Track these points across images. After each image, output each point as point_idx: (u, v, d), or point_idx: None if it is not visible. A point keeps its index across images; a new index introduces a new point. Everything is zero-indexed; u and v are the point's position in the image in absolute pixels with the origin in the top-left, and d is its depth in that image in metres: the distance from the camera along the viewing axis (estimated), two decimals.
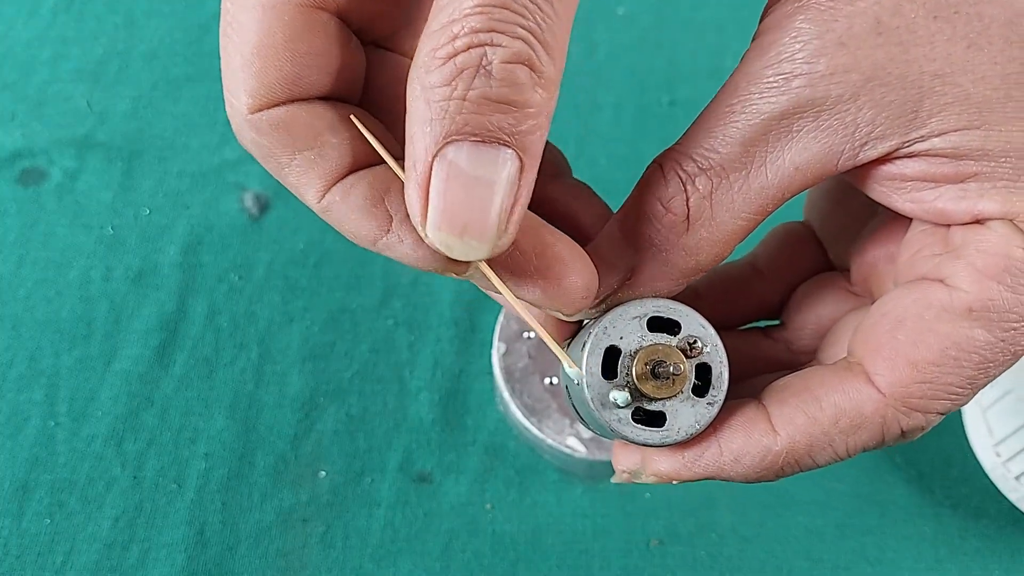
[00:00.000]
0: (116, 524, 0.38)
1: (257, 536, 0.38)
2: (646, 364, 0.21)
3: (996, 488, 0.40)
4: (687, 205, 0.21)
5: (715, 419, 0.21)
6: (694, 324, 0.21)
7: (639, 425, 0.21)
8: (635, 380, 0.21)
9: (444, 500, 0.39)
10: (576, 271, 0.21)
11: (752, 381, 0.24)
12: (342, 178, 0.22)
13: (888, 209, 0.22)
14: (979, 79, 0.19)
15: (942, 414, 0.20)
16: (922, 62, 0.19)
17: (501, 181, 0.19)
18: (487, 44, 0.17)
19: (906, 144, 0.20)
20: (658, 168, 0.21)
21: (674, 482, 0.23)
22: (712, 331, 0.21)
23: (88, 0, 0.53)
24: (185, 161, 0.48)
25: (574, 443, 0.38)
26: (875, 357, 0.21)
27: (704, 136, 0.21)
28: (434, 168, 0.18)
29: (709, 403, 0.21)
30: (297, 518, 0.39)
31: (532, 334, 0.40)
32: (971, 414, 0.40)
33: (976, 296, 0.19)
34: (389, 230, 0.21)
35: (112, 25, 0.53)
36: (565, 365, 0.22)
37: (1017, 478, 0.38)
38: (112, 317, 0.43)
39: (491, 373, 0.42)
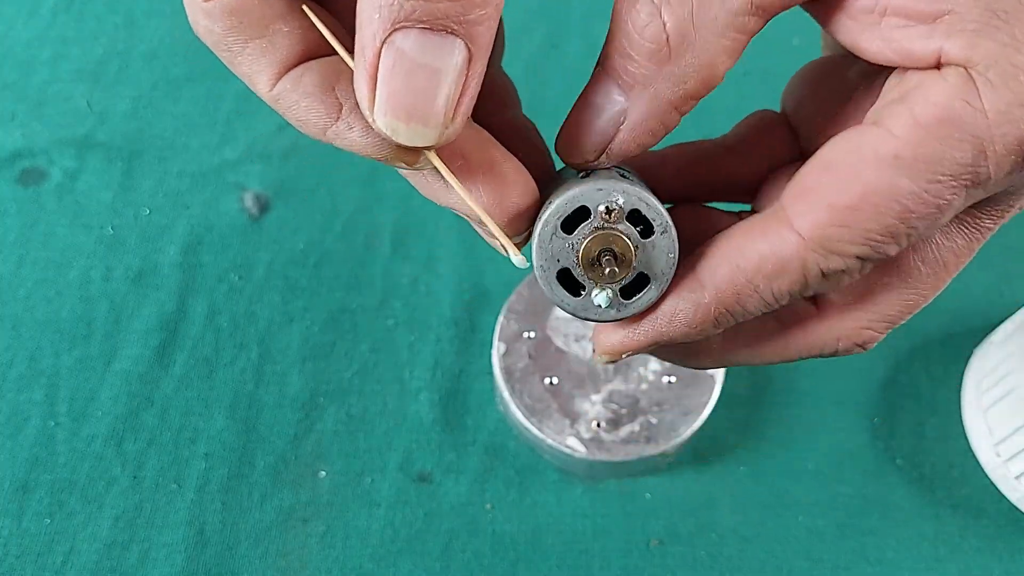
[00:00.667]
0: (116, 524, 0.38)
1: (257, 536, 0.38)
2: (600, 244, 0.21)
3: (996, 488, 0.40)
4: (664, 30, 0.20)
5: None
6: (662, 223, 0.21)
7: (562, 287, 0.22)
8: (579, 257, 0.22)
9: (444, 500, 0.39)
10: (518, 192, 0.22)
11: None
12: (293, 67, 0.22)
13: (862, 91, 0.22)
14: None
15: (862, 259, 0.20)
16: None
17: (448, 69, 0.19)
18: None
19: None
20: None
21: (624, 356, 0.24)
22: (675, 244, 0.21)
23: (88, 0, 0.53)
24: (185, 161, 0.48)
25: (574, 443, 0.38)
26: (798, 201, 0.20)
27: None
28: (382, 55, 0.19)
29: (631, 306, 0.22)
30: (297, 518, 0.39)
31: (532, 333, 0.40)
32: (971, 414, 0.40)
33: (905, 143, 0.19)
34: (339, 118, 0.21)
35: (112, 25, 0.53)
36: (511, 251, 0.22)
37: (1017, 478, 0.38)
38: (112, 317, 0.43)
39: (491, 373, 0.42)
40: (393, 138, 0.20)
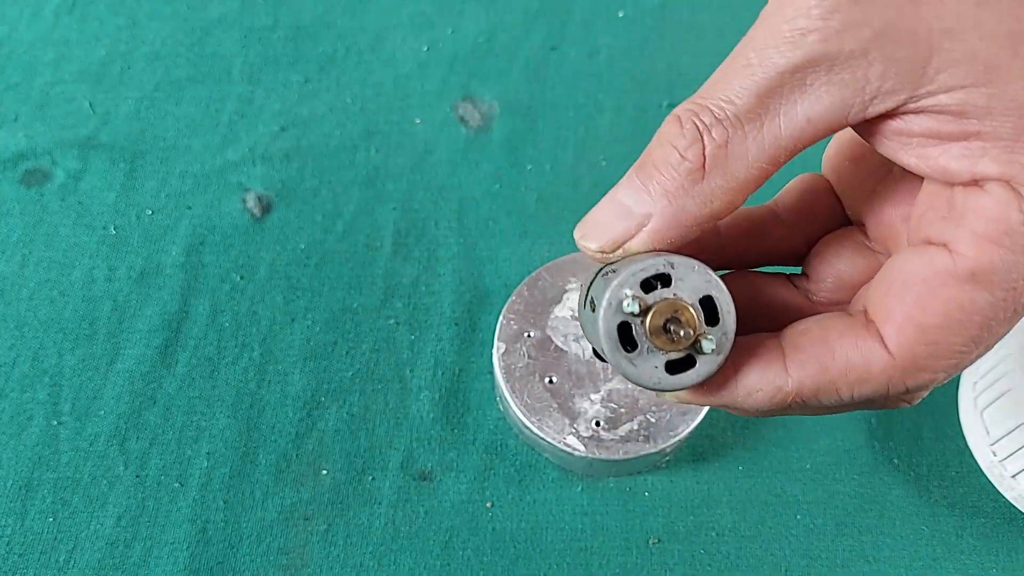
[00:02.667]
0: (119, 522, 0.39)
1: (259, 534, 0.38)
2: (672, 313, 0.22)
3: (993, 487, 0.40)
4: (703, 154, 0.22)
5: (722, 367, 0.23)
6: (726, 327, 0.23)
7: (617, 335, 0.23)
8: (650, 315, 0.22)
9: (445, 498, 0.39)
10: None
11: (772, 321, 0.26)
12: None
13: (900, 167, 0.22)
14: (987, 36, 0.19)
15: (948, 373, 0.21)
16: (932, 19, 0.20)
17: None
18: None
19: (913, 99, 0.20)
20: (676, 118, 0.22)
21: (691, 405, 0.26)
22: (728, 346, 0.23)
23: (91, 2, 0.54)
24: (188, 162, 0.48)
25: (573, 442, 0.38)
26: (886, 319, 0.22)
27: (722, 87, 0.22)
28: None
29: (713, 358, 0.23)
30: (299, 516, 0.39)
31: (532, 333, 0.41)
32: (968, 414, 0.41)
33: (976, 261, 0.20)
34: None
35: (115, 27, 0.53)
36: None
37: (1013, 477, 0.38)
38: (115, 317, 0.43)
39: (491, 372, 0.42)
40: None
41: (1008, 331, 0.21)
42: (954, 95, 0.20)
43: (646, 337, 0.22)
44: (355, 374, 0.42)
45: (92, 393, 0.41)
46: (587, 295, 0.25)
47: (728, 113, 0.21)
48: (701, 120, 0.21)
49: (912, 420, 0.42)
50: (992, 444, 0.39)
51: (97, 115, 0.50)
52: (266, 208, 0.47)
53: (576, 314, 0.36)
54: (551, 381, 0.39)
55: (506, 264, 0.45)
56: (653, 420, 0.38)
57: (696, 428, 0.39)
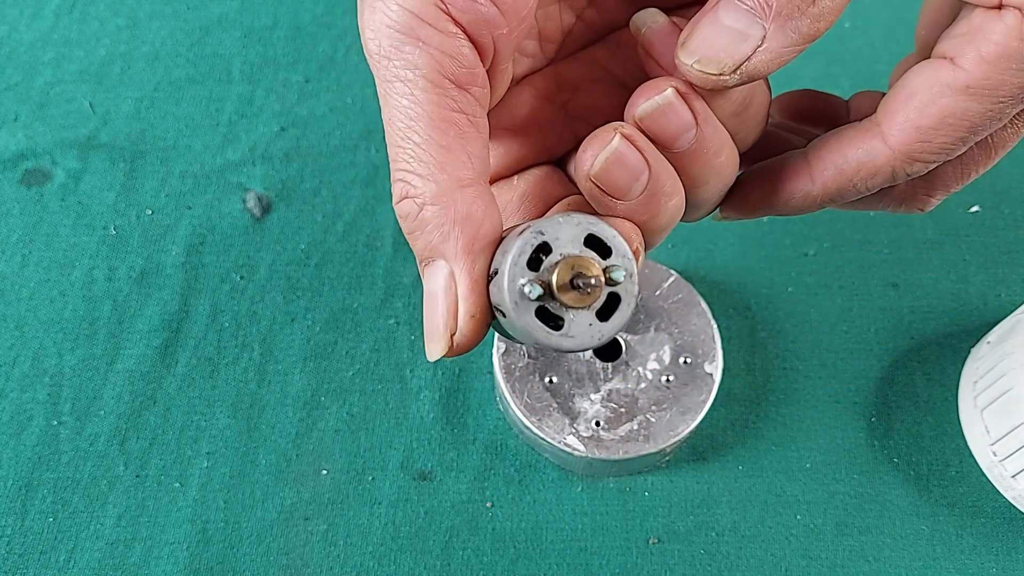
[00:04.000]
0: (119, 522, 0.39)
1: (259, 534, 0.38)
2: (571, 270, 0.22)
3: (993, 486, 0.40)
4: None
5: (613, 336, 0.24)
6: (621, 251, 0.23)
7: (541, 323, 0.23)
8: (554, 285, 0.22)
9: (445, 498, 0.39)
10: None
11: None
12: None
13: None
14: None
15: (938, 162, 0.25)
16: None
17: (438, 291, 0.23)
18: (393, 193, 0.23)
19: None
20: None
21: (734, 218, 0.30)
22: (633, 265, 0.23)
23: (91, 2, 0.54)
24: (188, 162, 0.48)
25: (573, 441, 0.38)
26: (889, 121, 0.25)
27: None
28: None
29: (630, 281, 0.23)
30: (299, 516, 0.39)
31: None
32: (968, 414, 0.41)
33: (973, 75, 0.24)
34: None
35: (115, 27, 0.53)
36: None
37: (1013, 476, 0.38)
38: (115, 317, 0.43)
39: (491, 372, 0.42)
40: (430, 357, 0.24)
41: (987, 134, 0.25)
42: None
43: (564, 307, 0.23)
44: (355, 374, 0.42)
45: (92, 393, 0.41)
46: (491, 306, 0.25)
47: None
48: None
49: (912, 419, 0.42)
50: (992, 444, 0.39)
51: (97, 115, 0.50)
52: (266, 208, 0.47)
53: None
54: (551, 381, 0.39)
55: None
56: (653, 420, 0.38)
57: (696, 428, 0.39)
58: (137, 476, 0.40)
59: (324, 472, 0.40)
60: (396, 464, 0.40)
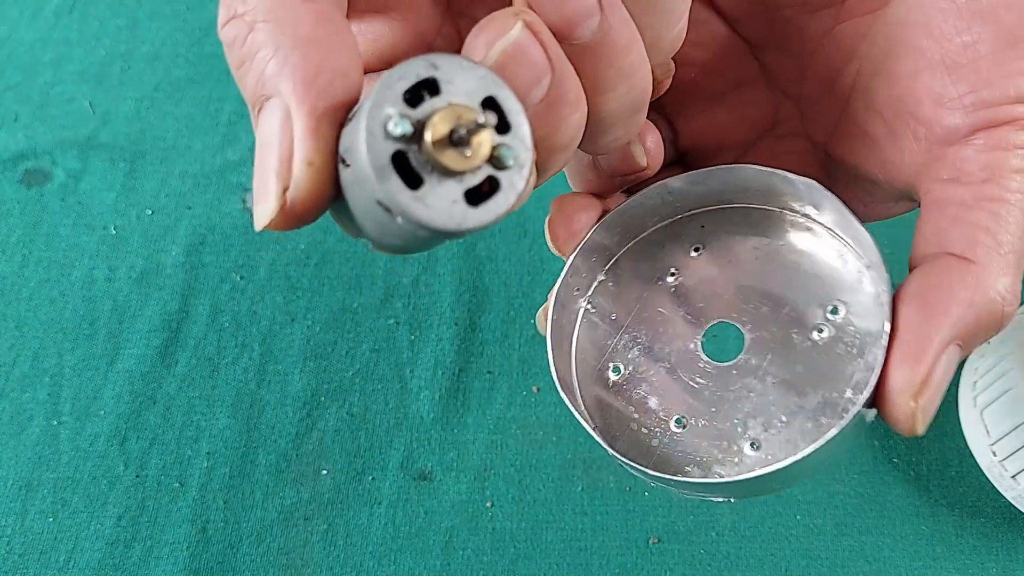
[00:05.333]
0: (119, 522, 0.39)
1: (259, 534, 0.38)
2: (457, 121, 0.17)
3: (993, 486, 0.40)
4: None
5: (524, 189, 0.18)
6: (521, 133, 0.18)
7: (395, 171, 0.17)
8: (429, 133, 0.17)
9: (444, 498, 0.39)
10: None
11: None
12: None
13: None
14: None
15: None
16: None
17: (272, 136, 0.18)
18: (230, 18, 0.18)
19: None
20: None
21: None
22: (530, 158, 0.18)
23: (91, 2, 0.54)
24: (187, 162, 0.48)
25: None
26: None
27: None
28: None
29: (517, 172, 0.18)
30: (299, 516, 0.39)
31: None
32: (968, 414, 0.41)
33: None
34: None
35: (114, 27, 0.53)
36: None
37: (1014, 476, 0.38)
38: (115, 317, 0.43)
39: (491, 372, 0.42)
40: (258, 224, 0.19)
41: None
42: None
43: (430, 163, 0.17)
44: (355, 374, 0.42)
45: (92, 393, 0.41)
46: (337, 156, 0.19)
47: None
48: None
49: None
50: (992, 444, 0.39)
51: (97, 115, 0.50)
52: None
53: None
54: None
55: (506, 264, 0.45)
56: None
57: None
58: (137, 476, 0.40)
59: (324, 472, 0.40)
60: (396, 464, 0.40)
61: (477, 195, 0.18)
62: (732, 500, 0.22)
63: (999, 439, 0.38)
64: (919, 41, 0.23)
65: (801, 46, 0.27)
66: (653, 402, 0.26)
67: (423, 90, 0.17)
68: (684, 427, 0.26)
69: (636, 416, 0.26)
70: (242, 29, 0.18)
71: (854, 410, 0.21)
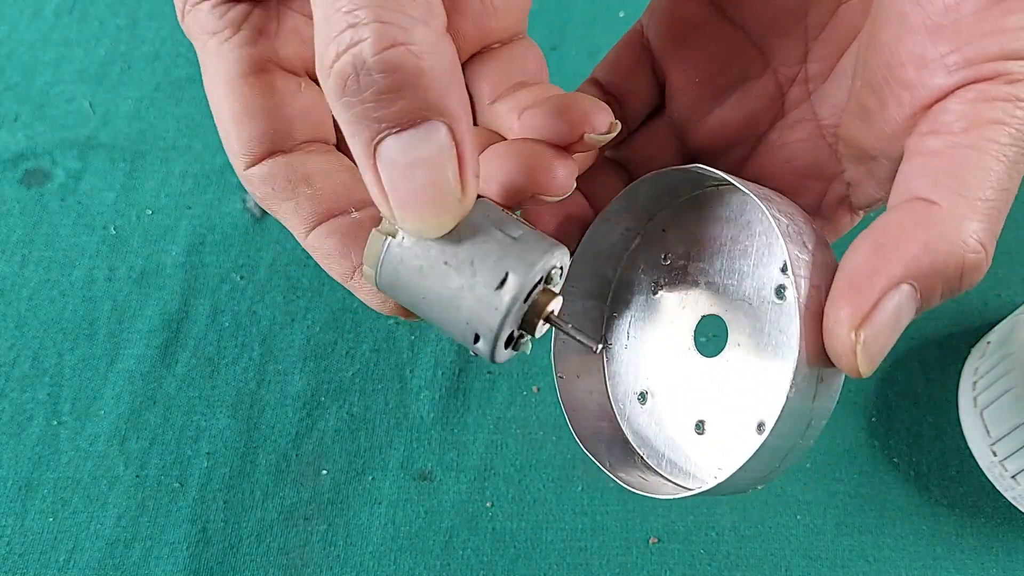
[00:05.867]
0: (119, 522, 0.39)
1: (259, 534, 0.38)
2: (550, 306, 0.23)
3: (993, 486, 0.40)
4: None
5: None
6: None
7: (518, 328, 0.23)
8: (539, 309, 0.23)
9: (444, 498, 0.39)
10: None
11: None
12: (323, 221, 0.25)
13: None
14: None
15: None
16: None
17: (437, 154, 0.19)
18: (354, 45, 0.18)
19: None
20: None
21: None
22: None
23: (91, 2, 0.54)
24: (187, 162, 0.48)
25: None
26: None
27: None
28: (380, 171, 0.20)
29: (502, 354, 0.24)
30: (299, 516, 0.39)
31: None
32: (968, 414, 0.41)
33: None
34: (351, 278, 0.24)
35: (114, 27, 0.53)
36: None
37: (1014, 476, 0.38)
38: (115, 317, 0.43)
39: (491, 372, 0.42)
40: (424, 236, 0.21)
41: None
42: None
43: (525, 327, 0.23)
44: (355, 374, 0.42)
45: (92, 393, 0.41)
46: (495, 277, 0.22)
47: None
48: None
49: (912, 419, 0.42)
50: (992, 444, 0.39)
51: (97, 115, 0.50)
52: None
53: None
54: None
55: None
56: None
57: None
58: (137, 476, 0.40)
59: (324, 472, 0.40)
60: (396, 464, 0.40)
61: (511, 341, 0.23)
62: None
63: (999, 439, 0.38)
64: (902, 6, 0.22)
65: (804, 30, 0.27)
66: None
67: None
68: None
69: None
70: (409, 59, 0.18)
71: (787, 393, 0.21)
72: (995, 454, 0.39)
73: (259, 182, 0.25)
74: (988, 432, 0.39)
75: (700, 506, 0.40)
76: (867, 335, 0.20)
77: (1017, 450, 0.37)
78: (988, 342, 0.41)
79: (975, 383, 0.40)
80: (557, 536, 0.39)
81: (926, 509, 0.40)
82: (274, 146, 0.25)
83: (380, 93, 0.18)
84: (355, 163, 0.21)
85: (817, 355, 0.21)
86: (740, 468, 0.22)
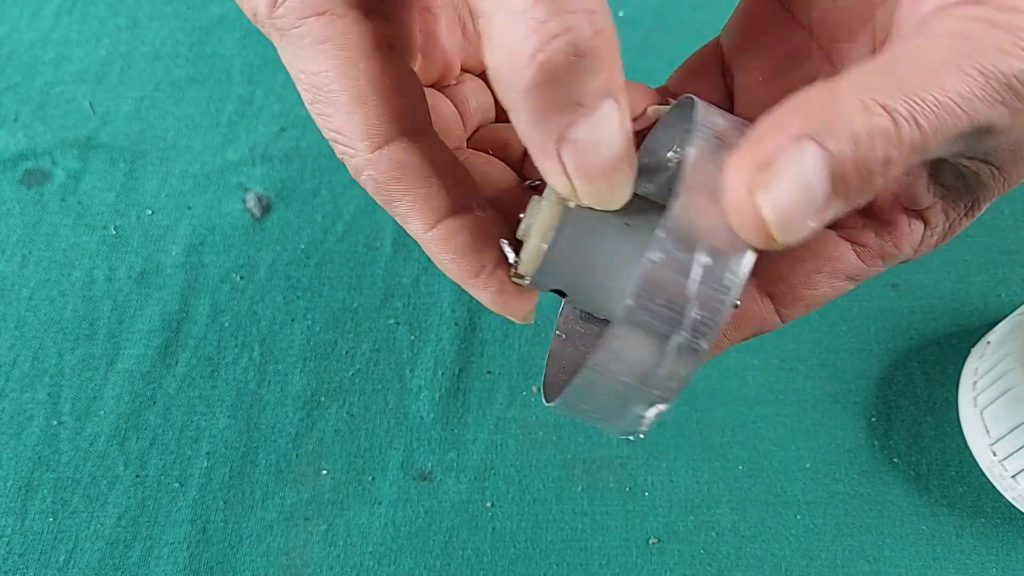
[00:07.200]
0: (119, 522, 0.39)
1: (259, 534, 0.38)
2: None
3: (993, 486, 0.40)
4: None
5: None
6: None
7: None
8: None
9: (445, 498, 0.39)
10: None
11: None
12: (445, 218, 0.23)
13: None
14: None
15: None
16: None
17: (619, 127, 0.20)
18: (560, 33, 0.18)
19: None
20: (895, 130, 0.18)
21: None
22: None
23: (91, 2, 0.54)
24: (188, 162, 0.48)
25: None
26: (786, 299, 0.24)
27: (941, 118, 0.19)
28: (564, 154, 0.20)
29: None
30: (299, 516, 0.39)
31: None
32: (968, 414, 0.41)
33: (868, 270, 0.24)
34: (478, 276, 0.24)
35: (115, 27, 0.53)
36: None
37: (1014, 476, 0.38)
38: (115, 317, 0.43)
39: (491, 372, 0.42)
40: (611, 205, 0.21)
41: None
42: (983, 166, 0.21)
43: None
44: (355, 374, 0.42)
45: (92, 393, 0.41)
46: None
47: (929, 142, 0.19)
48: (916, 146, 0.19)
49: (912, 419, 0.42)
50: (992, 444, 0.39)
51: (97, 115, 0.50)
52: (266, 208, 0.47)
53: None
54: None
55: None
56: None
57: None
58: (137, 476, 0.40)
59: (324, 472, 0.40)
60: (396, 464, 0.40)
61: None
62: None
63: (999, 439, 0.38)
64: None
65: (872, 35, 0.26)
66: None
67: None
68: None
69: None
70: (606, 42, 0.19)
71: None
72: (995, 454, 0.39)
73: (388, 166, 0.23)
74: (988, 432, 0.39)
75: (700, 506, 0.40)
76: (768, 198, 0.18)
77: (1017, 450, 0.37)
78: (988, 342, 0.41)
79: (975, 383, 0.40)
80: (557, 536, 0.39)
81: (926, 509, 0.40)
82: (401, 126, 0.23)
83: (579, 76, 0.19)
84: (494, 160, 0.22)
85: (698, 228, 0.20)
86: (608, 348, 0.20)
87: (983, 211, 0.24)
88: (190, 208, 0.47)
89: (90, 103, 0.50)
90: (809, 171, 0.18)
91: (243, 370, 0.42)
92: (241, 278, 0.45)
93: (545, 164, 0.20)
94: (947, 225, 0.24)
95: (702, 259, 0.19)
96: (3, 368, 0.42)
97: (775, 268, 0.25)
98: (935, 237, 0.24)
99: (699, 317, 0.19)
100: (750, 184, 0.18)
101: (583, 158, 0.20)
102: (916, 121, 0.18)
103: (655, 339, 0.19)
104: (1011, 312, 0.41)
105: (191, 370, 0.42)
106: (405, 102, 0.23)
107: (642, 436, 0.22)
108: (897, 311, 0.44)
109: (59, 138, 0.49)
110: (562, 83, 0.19)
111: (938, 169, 0.22)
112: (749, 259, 0.19)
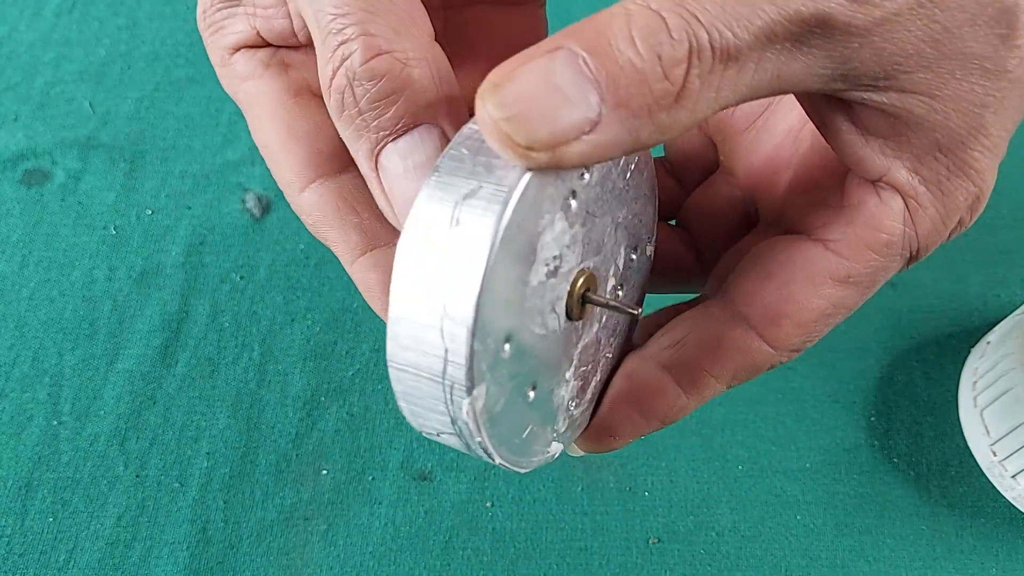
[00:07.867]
0: (119, 522, 0.39)
1: (259, 534, 0.38)
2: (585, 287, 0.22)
3: (993, 487, 0.40)
4: (685, 80, 0.17)
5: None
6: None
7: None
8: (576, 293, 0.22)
9: (445, 498, 0.39)
10: None
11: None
12: (364, 254, 0.24)
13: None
14: (947, 55, 0.18)
15: (810, 345, 0.24)
16: (928, 22, 0.18)
17: (432, 158, 0.20)
18: (346, 59, 0.19)
19: (873, 90, 0.19)
20: (662, 19, 0.17)
21: (594, 450, 0.27)
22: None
23: (91, 2, 0.54)
24: (187, 162, 0.48)
25: (555, 448, 0.28)
26: (762, 316, 0.23)
27: (728, 10, 0.17)
28: (381, 179, 0.20)
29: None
30: (299, 516, 0.39)
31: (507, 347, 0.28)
32: (968, 414, 0.41)
33: (855, 266, 0.22)
34: None
35: (115, 27, 0.53)
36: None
37: (1014, 476, 0.38)
38: (115, 317, 0.43)
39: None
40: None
41: None
42: (906, 98, 0.19)
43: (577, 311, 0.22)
44: (355, 374, 0.42)
45: (92, 393, 0.41)
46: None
47: (727, 42, 0.17)
48: (696, 37, 0.17)
49: (912, 419, 0.42)
50: (992, 444, 0.39)
51: (97, 115, 0.50)
52: (266, 208, 0.47)
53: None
54: (531, 395, 0.24)
55: None
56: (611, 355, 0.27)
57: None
58: (137, 476, 0.40)
59: (324, 472, 0.40)
60: (396, 464, 0.40)
61: None
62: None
63: (999, 439, 0.38)
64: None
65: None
66: None
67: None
68: None
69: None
70: (395, 66, 0.19)
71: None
72: (995, 454, 0.39)
73: (310, 208, 0.24)
74: (988, 432, 0.39)
75: (700, 506, 0.40)
76: (503, 85, 0.17)
77: (1017, 450, 0.37)
78: (988, 342, 0.41)
79: (975, 383, 0.40)
80: (557, 536, 0.39)
81: (926, 509, 0.40)
82: (320, 169, 0.24)
83: (373, 101, 0.19)
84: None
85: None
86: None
87: (982, 176, 0.21)
88: (190, 208, 0.47)
89: (90, 103, 0.50)
90: (555, 74, 0.17)
91: (243, 370, 0.42)
92: (241, 278, 0.45)
93: (372, 190, 0.21)
94: (934, 191, 0.21)
95: (471, 183, 0.18)
96: (3, 368, 0.42)
97: (745, 288, 0.23)
98: (930, 209, 0.21)
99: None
100: (488, 91, 0.17)
101: (394, 187, 0.20)
102: (691, 13, 0.17)
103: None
104: (1010, 312, 0.41)
105: (191, 370, 0.42)
106: (324, 144, 0.24)
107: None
108: (897, 311, 0.45)
109: (59, 138, 0.49)
110: (357, 107, 0.19)
111: (858, 116, 0.20)
112: (515, 175, 0.18)
